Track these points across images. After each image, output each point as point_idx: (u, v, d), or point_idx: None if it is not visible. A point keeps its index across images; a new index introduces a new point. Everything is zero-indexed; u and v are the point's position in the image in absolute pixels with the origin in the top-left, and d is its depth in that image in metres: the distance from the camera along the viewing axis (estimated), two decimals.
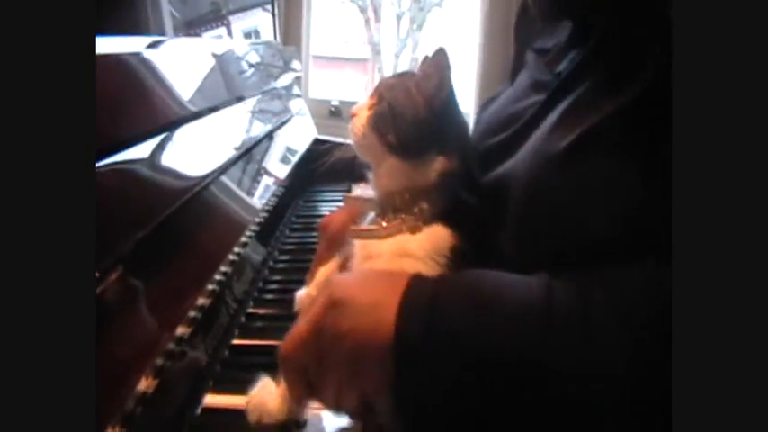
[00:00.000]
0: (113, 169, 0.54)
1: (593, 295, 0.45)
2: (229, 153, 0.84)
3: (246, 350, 0.70)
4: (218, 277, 0.67)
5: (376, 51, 2.54)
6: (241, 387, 0.62)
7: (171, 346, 0.53)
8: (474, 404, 0.45)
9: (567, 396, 0.44)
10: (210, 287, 0.64)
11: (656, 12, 0.49)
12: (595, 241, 0.48)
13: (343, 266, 0.63)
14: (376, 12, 2.65)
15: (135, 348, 0.49)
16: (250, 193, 0.89)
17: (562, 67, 0.63)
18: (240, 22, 1.38)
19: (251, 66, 1.15)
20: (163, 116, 0.69)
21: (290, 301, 0.66)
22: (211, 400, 0.61)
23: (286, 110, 1.32)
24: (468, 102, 1.94)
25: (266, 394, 0.54)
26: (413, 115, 0.56)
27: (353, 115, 0.60)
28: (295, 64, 1.57)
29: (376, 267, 0.56)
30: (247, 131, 0.99)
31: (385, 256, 0.55)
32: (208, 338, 0.65)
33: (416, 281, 0.49)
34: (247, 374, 0.65)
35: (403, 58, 2.59)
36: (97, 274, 0.46)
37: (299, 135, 1.33)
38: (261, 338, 0.72)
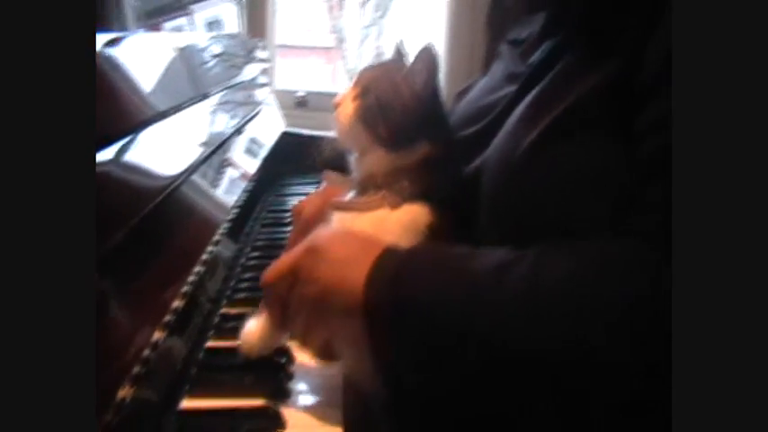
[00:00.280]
0: None
1: (548, 266, 0.45)
2: (198, 151, 0.82)
3: (222, 351, 0.69)
4: (191, 278, 0.65)
5: (340, 39, 2.51)
6: (218, 390, 0.61)
7: (146, 352, 0.51)
8: (439, 370, 0.47)
9: (517, 369, 0.43)
10: (184, 289, 0.63)
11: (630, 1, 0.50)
12: (566, 223, 0.49)
13: None
14: None
15: (110, 357, 0.47)
16: (221, 191, 0.87)
17: (535, 57, 0.63)
18: (203, 12, 1.34)
19: (218, 59, 1.13)
20: (128, 117, 0.66)
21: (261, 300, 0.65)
22: (188, 404, 0.60)
23: (255, 102, 1.30)
24: None
25: (251, 327, 0.60)
26: (401, 109, 0.58)
27: (337, 105, 0.60)
28: (262, 54, 1.54)
29: None
30: (216, 128, 0.97)
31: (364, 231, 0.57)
32: (182, 341, 0.64)
33: (389, 249, 0.51)
34: (224, 376, 0.64)
35: (367, 46, 2.56)
36: None
37: (267, 128, 1.31)
38: (236, 339, 0.71)
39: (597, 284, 0.43)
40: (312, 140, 1.39)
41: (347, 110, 0.60)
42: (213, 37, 1.21)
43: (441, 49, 1.89)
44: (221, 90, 1.07)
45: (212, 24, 1.42)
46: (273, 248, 1.00)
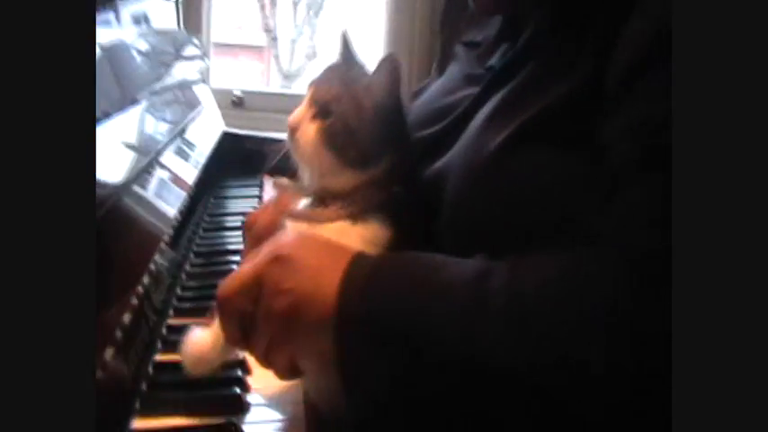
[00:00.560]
0: None
1: (525, 279, 0.44)
2: (138, 158, 0.78)
3: (171, 366, 0.65)
4: (139, 289, 0.62)
5: (272, 38, 2.46)
6: (171, 408, 0.58)
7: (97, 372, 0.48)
8: (412, 380, 0.45)
9: (497, 379, 0.43)
10: (132, 301, 0.59)
11: (593, 6, 0.50)
12: (530, 232, 0.49)
13: None
14: None
15: None
16: (162, 199, 0.83)
17: (494, 60, 0.63)
18: (131, 7, 1.28)
19: (156, 58, 1.07)
20: None
21: (209, 309, 0.61)
22: (140, 424, 0.56)
23: (195, 103, 1.25)
24: None
25: (196, 341, 0.55)
26: (368, 128, 0.55)
27: (294, 127, 0.56)
28: (195, 51, 1.48)
29: None
30: (155, 130, 0.92)
31: None
32: (130, 358, 0.60)
33: (359, 256, 0.49)
34: (177, 393, 0.61)
35: (300, 45, 2.53)
36: None
37: (207, 129, 1.26)
38: None
39: (575, 296, 0.43)
40: (252, 141, 1.36)
41: (308, 134, 0.55)
42: (143, 34, 1.15)
43: (381, 46, 1.88)
44: (157, 91, 1.02)
45: (139, 20, 1.35)
46: (216, 254, 0.96)
